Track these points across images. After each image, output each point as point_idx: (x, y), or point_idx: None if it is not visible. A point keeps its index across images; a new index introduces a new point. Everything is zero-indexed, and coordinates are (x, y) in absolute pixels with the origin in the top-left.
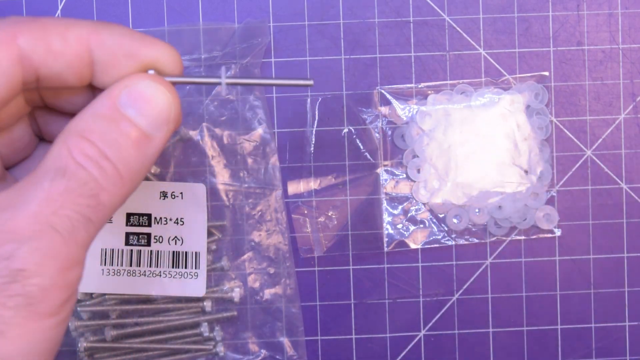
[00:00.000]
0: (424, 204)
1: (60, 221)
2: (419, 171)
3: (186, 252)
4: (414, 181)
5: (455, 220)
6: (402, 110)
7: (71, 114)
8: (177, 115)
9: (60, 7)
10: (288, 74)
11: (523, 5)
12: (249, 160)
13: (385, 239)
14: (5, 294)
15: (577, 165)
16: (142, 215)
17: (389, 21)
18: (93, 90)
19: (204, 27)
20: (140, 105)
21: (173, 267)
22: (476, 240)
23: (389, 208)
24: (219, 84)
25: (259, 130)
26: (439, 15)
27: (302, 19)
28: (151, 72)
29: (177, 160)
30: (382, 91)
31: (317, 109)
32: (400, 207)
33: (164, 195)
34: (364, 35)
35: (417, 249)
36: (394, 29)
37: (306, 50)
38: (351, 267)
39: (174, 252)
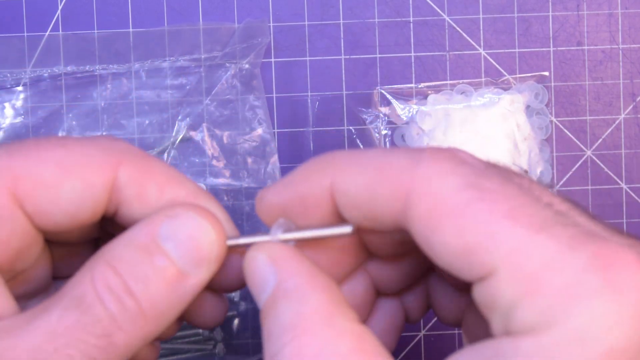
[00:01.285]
0: None
1: (62, 357)
2: None
3: None
4: None
5: None
6: (402, 110)
7: (80, 244)
8: (220, 255)
9: (60, 7)
10: (288, 73)
11: (523, 5)
12: (249, 160)
13: None
14: None
15: (577, 165)
16: None
17: (389, 21)
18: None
19: (204, 27)
20: (181, 239)
21: None
22: None
23: None
24: (274, 240)
25: (259, 130)
26: (439, 15)
27: (302, 19)
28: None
29: (177, 160)
30: (382, 91)
31: (317, 109)
32: None
33: None
34: (364, 35)
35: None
36: (394, 29)
37: (306, 50)
38: None
39: None
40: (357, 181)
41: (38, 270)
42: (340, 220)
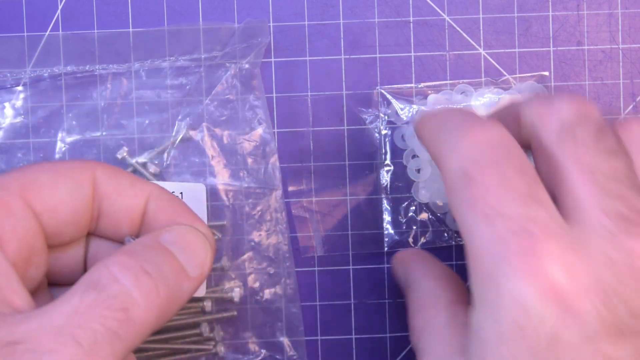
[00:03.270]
0: (424, 204)
1: (84, 334)
2: (419, 171)
3: None
4: (414, 181)
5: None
6: (402, 110)
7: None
8: (209, 267)
9: (60, 7)
10: (288, 73)
11: (523, 5)
12: (249, 160)
13: (386, 239)
14: None
15: None
16: None
17: (389, 21)
18: None
19: (204, 27)
20: (182, 245)
21: None
22: None
23: (388, 208)
24: None
25: (259, 130)
26: (439, 15)
27: (302, 19)
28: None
29: (177, 160)
30: (382, 91)
31: (317, 109)
32: (400, 207)
33: None
34: (364, 35)
35: (417, 249)
36: (394, 29)
37: (306, 50)
38: (351, 267)
39: None
40: None
41: (39, 275)
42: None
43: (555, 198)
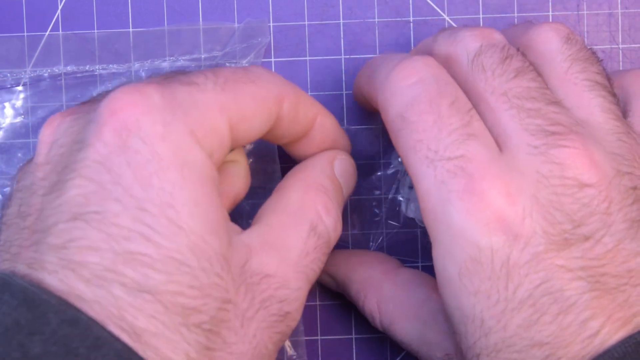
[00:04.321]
0: (409, 219)
1: (312, 273)
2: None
3: None
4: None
5: None
6: None
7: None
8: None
9: (60, 7)
10: (288, 73)
11: (523, 5)
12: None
13: (386, 239)
14: (273, 331)
15: None
16: None
17: (389, 21)
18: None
19: (204, 27)
20: (347, 178)
21: None
22: None
23: (389, 208)
24: None
25: None
26: (439, 15)
27: (302, 19)
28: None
29: None
30: None
31: None
32: (400, 207)
33: None
34: (364, 35)
35: (416, 249)
36: (394, 29)
37: (306, 50)
38: None
39: None
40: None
41: None
42: None
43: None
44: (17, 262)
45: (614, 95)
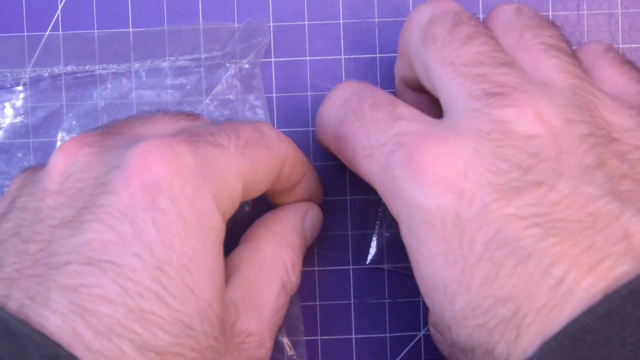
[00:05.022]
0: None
1: (276, 330)
2: None
3: None
4: None
5: None
6: None
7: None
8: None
9: (60, 7)
10: (288, 73)
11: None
12: None
13: (386, 239)
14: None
15: None
16: None
17: (389, 21)
18: None
19: (204, 27)
20: (313, 231)
21: None
22: None
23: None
24: None
25: None
26: None
27: (302, 19)
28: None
29: None
30: None
31: (317, 109)
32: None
33: None
34: (364, 35)
35: None
36: (394, 28)
37: (306, 50)
38: (351, 267)
39: None
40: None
41: None
42: None
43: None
44: (14, 289)
45: (571, 56)
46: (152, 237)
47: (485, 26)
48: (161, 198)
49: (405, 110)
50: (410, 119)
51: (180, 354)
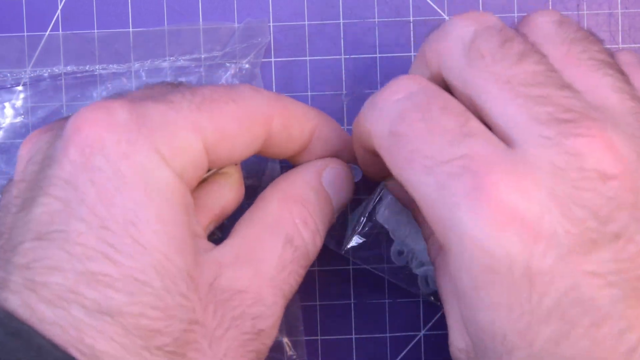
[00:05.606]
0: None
1: (288, 288)
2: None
3: None
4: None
5: None
6: None
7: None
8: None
9: (60, 7)
10: (288, 73)
11: (523, 5)
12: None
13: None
14: (246, 349)
15: None
16: None
17: (389, 21)
18: None
19: (204, 27)
20: (338, 187)
21: None
22: None
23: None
24: None
25: None
26: (439, 15)
27: (302, 19)
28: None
29: None
30: None
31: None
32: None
33: None
34: (364, 35)
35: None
36: (394, 28)
37: (306, 50)
38: (351, 267)
39: None
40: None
41: None
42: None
43: (489, 127)
44: None
45: (622, 73)
46: (93, 198)
47: (533, 43)
48: (95, 157)
49: (477, 126)
50: (482, 138)
51: (139, 313)
